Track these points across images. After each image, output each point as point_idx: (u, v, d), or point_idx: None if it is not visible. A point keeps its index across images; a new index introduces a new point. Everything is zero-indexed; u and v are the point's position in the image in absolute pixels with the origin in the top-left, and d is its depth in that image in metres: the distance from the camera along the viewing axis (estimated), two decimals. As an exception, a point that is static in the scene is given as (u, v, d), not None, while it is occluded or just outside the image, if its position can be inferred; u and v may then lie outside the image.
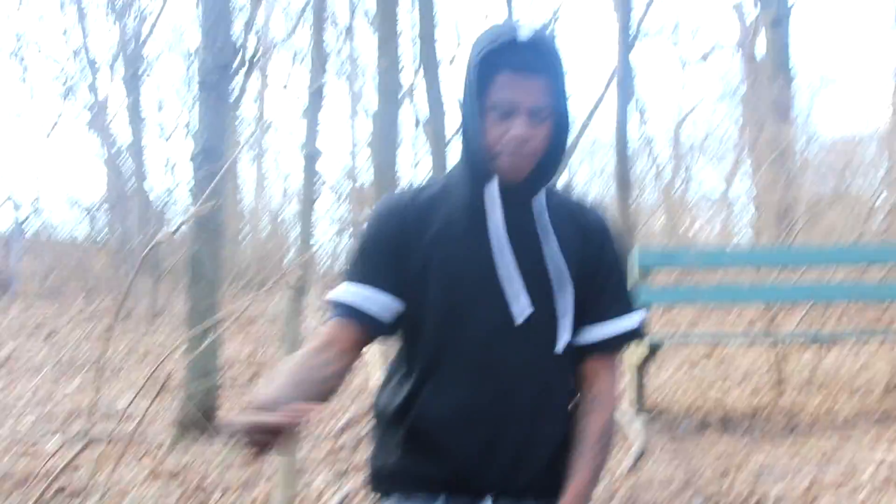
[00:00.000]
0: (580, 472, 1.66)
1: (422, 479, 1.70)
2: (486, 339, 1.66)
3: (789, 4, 15.68)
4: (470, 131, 1.66)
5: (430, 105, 13.46)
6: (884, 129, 13.17)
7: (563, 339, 1.69)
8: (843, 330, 8.58)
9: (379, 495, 1.78)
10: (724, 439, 5.52)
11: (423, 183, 1.83)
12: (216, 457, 5.06)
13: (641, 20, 15.59)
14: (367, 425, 5.86)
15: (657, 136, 18.04)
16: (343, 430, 5.87)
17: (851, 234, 9.64)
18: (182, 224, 3.79)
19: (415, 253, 1.68)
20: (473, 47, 1.65)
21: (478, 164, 1.66)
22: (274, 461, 4.78)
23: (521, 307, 1.66)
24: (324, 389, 1.60)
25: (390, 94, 11.24)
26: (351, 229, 18.96)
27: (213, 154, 5.94)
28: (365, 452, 5.20)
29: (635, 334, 1.77)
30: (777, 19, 15.39)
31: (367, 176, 20.17)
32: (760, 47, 16.61)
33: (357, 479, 4.75)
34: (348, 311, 1.68)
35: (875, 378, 6.97)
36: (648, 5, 15.04)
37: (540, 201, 1.71)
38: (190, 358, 5.38)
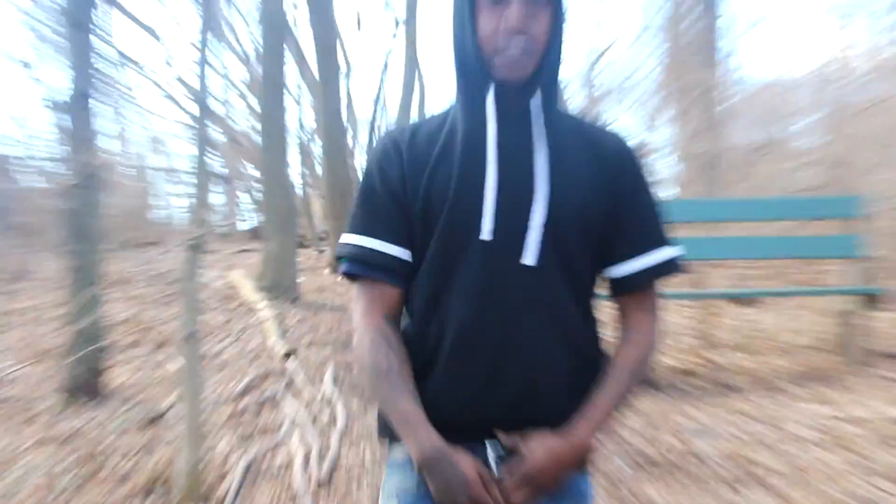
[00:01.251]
0: (596, 401, 1.72)
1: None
2: (479, 265, 1.71)
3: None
4: (460, 31, 1.70)
5: (315, 39, 13.48)
6: (818, 71, 13.04)
7: (533, 250, 1.69)
8: (771, 288, 9.07)
9: (387, 440, 1.85)
10: (652, 396, 6.04)
11: (428, 116, 1.86)
12: (109, 422, 5.35)
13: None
14: (268, 388, 6.27)
15: (569, 78, 17.95)
16: (244, 393, 6.24)
17: (784, 187, 9.93)
18: (81, 174, 3.93)
19: (416, 195, 1.74)
20: None
21: (473, 69, 1.70)
22: (174, 425, 5.18)
23: (490, 222, 1.69)
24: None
25: (274, 27, 11.27)
26: (224, 183, 19.08)
27: (85, 102, 6.13)
28: (268, 416, 5.65)
29: (668, 268, 1.80)
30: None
31: (245, 122, 20.41)
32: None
33: (262, 443, 5.13)
34: (375, 270, 1.77)
35: (804, 338, 7.65)
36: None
37: (536, 104, 1.73)
38: (78, 321, 5.59)
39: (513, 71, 1.66)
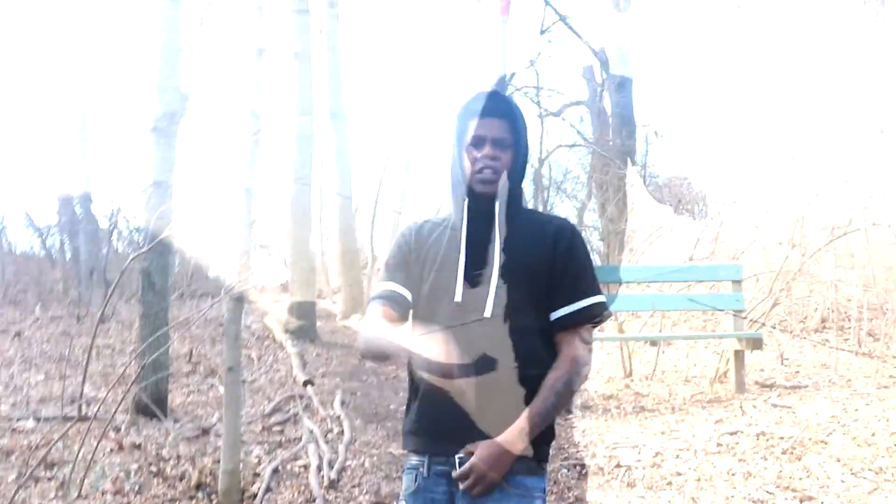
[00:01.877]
0: (526, 413, 1.77)
1: (415, 440, 1.88)
2: (449, 316, 1.84)
3: (631, 72, 16.55)
4: (454, 166, 1.96)
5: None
6: (708, 170, 13.16)
7: (490, 306, 1.82)
8: (676, 333, 8.92)
9: (407, 451, 1.95)
10: (587, 417, 5.91)
11: (434, 216, 2.12)
12: (168, 434, 5.17)
13: (512, 76, 16.24)
14: (291, 409, 6.10)
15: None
16: (272, 412, 6.07)
17: (682, 257, 9.86)
18: (155, 242, 3.91)
19: (417, 261, 1.97)
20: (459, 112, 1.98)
21: (459, 186, 1.95)
22: (216, 441, 5.01)
23: (460, 289, 1.85)
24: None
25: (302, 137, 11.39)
26: (263, 251, 19.10)
27: (162, 187, 6.06)
28: (291, 431, 5.48)
29: (591, 313, 1.88)
30: (621, 83, 16.26)
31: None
32: (606, 103, 17.23)
33: (286, 452, 4.97)
34: (385, 299, 1.94)
35: (703, 371, 7.44)
36: (514, 74, 15.80)
37: (498, 208, 1.91)
38: (148, 355, 5.42)
39: (484, 188, 1.90)
